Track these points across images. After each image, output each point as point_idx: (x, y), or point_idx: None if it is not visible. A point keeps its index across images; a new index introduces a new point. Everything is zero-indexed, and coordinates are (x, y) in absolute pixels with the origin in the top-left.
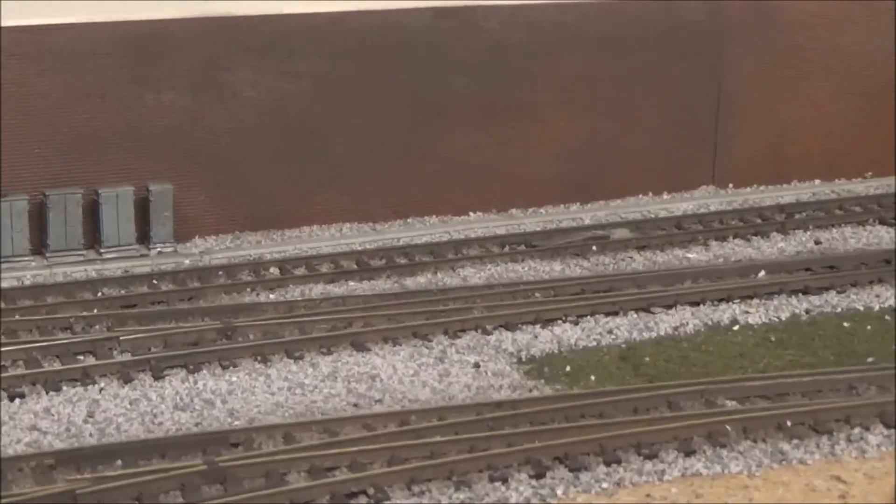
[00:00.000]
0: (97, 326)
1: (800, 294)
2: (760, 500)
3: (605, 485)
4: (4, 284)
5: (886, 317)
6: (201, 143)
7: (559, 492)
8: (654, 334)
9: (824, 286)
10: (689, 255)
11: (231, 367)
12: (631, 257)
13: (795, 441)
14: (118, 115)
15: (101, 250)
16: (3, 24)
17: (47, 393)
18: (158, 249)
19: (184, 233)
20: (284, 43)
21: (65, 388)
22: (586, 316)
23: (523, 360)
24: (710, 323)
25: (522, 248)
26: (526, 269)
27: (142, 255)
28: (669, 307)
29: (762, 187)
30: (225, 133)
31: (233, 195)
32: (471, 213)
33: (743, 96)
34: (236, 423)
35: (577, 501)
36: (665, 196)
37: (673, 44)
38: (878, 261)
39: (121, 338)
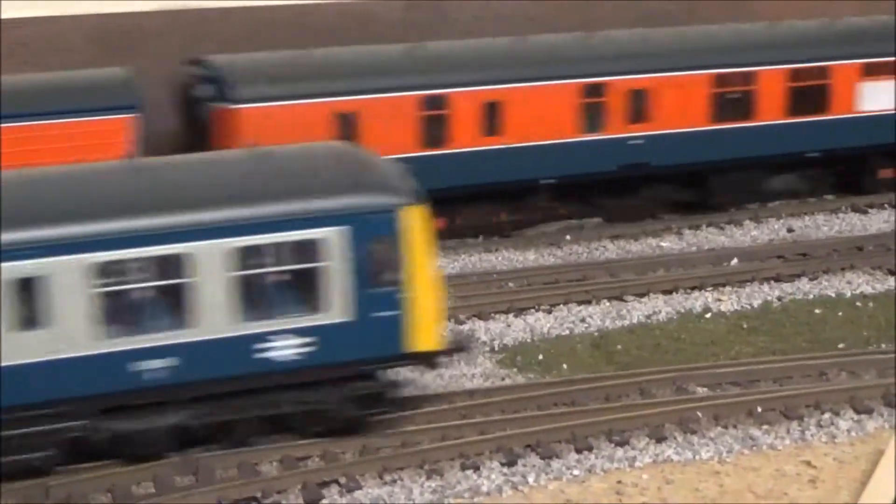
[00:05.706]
0: None
1: (772, 281)
2: (731, 485)
3: (576, 472)
4: None
5: (857, 303)
6: None
7: (531, 479)
8: (626, 322)
9: (796, 273)
10: (663, 244)
11: None
12: (604, 246)
13: (766, 427)
14: None
15: None
16: None
17: None
18: None
19: None
20: (254, 34)
21: None
22: (559, 304)
23: (496, 349)
24: (682, 311)
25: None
26: (500, 258)
27: None
28: (642, 295)
29: None
30: None
31: None
32: None
33: None
34: None
35: (548, 488)
36: None
37: None
38: (850, 248)
39: None
